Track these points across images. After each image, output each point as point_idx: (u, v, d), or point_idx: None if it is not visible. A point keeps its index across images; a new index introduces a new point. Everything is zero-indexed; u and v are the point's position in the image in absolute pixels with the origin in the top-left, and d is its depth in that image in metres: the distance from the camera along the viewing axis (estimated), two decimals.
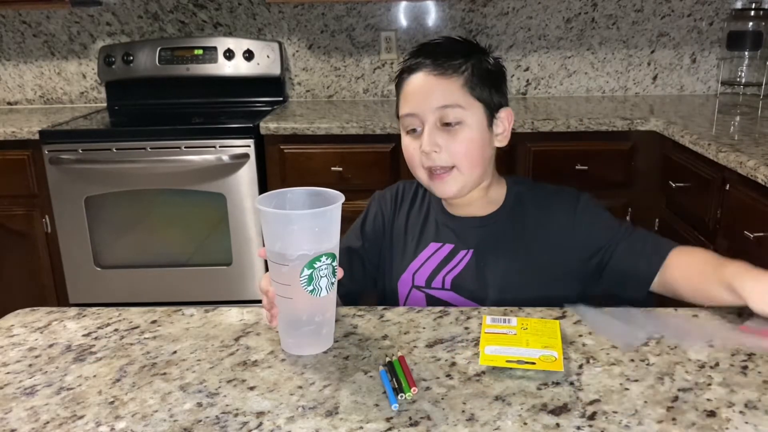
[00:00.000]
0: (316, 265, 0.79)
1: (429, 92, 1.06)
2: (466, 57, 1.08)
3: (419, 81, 1.08)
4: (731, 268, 0.91)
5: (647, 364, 0.79)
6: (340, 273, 0.85)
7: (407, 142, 1.10)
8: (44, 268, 2.49)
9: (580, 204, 1.13)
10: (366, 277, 1.18)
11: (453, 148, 1.06)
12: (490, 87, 1.09)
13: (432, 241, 1.13)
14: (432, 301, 1.10)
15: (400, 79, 1.11)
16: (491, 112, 1.09)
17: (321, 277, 0.80)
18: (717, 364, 0.79)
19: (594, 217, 1.12)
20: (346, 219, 1.24)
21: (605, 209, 1.15)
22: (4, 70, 2.95)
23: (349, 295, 1.09)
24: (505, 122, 1.12)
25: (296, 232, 0.79)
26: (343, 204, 0.82)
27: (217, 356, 0.84)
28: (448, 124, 1.06)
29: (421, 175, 1.10)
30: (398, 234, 1.18)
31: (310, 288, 0.79)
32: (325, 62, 2.90)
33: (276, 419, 0.70)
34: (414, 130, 1.08)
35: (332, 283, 0.82)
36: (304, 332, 0.83)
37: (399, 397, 0.72)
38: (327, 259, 0.80)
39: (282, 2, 2.67)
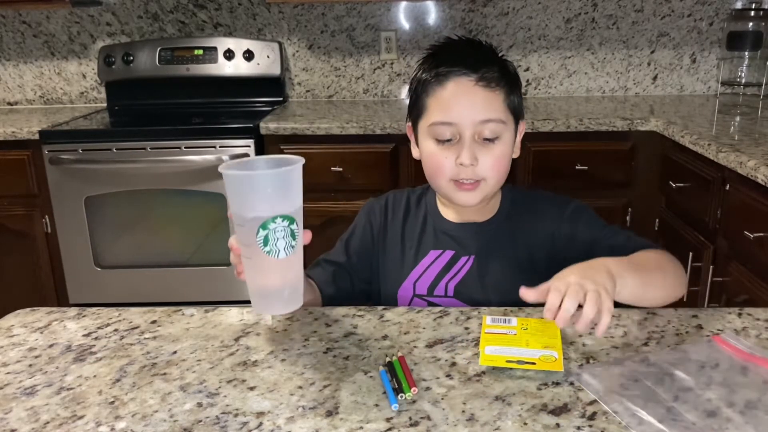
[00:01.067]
0: (270, 227, 0.80)
1: (473, 103, 1.02)
2: (502, 67, 1.05)
3: (462, 90, 1.02)
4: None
5: (647, 364, 0.79)
6: (307, 237, 0.86)
7: (434, 151, 1.05)
8: (44, 268, 2.49)
9: (568, 210, 1.11)
10: (354, 290, 1.15)
11: (487, 162, 1.03)
12: (519, 96, 1.08)
13: (432, 249, 1.12)
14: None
15: (432, 82, 1.04)
16: (517, 124, 1.08)
17: (278, 239, 0.81)
18: (717, 365, 0.79)
19: (579, 223, 1.11)
20: (347, 219, 1.25)
21: (597, 216, 1.13)
22: (4, 70, 2.95)
23: (336, 301, 1.08)
24: (521, 134, 1.10)
25: (249, 193, 0.81)
26: (303, 166, 0.84)
27: (217, 356, 0.84)
28: (487, 140, 1.03)
29: (444, 185, 1.06)
30: (393, 244, 1.16)
31: (267, 249, 0.81)
32: (325, 62, 2.90)
33: (276, 419, 0.70)
34: (448, 140, 1.03)
35: (292, 246, 0.82)
36: (267, 292, 0.85)
37: (399, 397, 0.72)
38: (283, 221, 0.81)
39: (282, 2, 2.67)
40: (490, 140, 1.03)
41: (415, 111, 1.08)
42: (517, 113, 1.07)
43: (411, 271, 1.12)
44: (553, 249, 1.09)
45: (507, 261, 1.09)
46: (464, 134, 1.02)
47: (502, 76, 1.04)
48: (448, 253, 1.11)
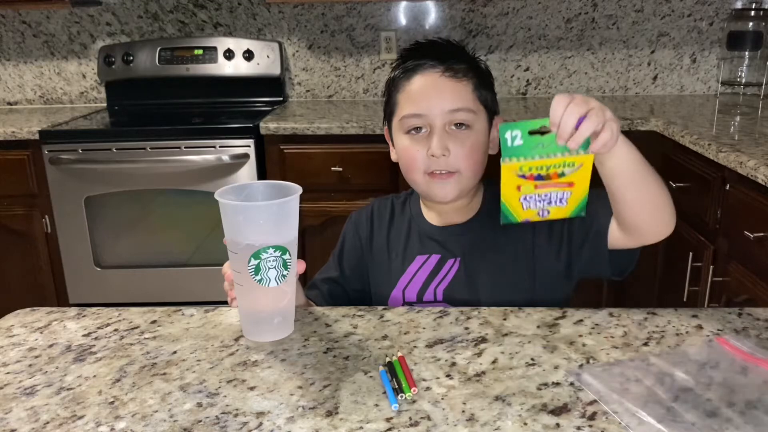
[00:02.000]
0: (262, 256, 0.81)
1: (440, 94, 1.04)
2: (471, 61, 1.07)
3: (429, 81, 1.04)
4: None
5: (647, 364, 0.79)
6: (301, 267, 0.87)
7: (407, 144, 1.06)
8: (44, 268, 2.49)
9: None
10: (351, 302, 1.15)
11: (460, 152, 1.03)
12: (491, 92, 1.09)
13: (417, 254, 1.11)
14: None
15: (401, 78, 1.07)
16: (491, 118, 1.09)
17: (269, 268, 0.82)
18: (717, 365, 0.79)
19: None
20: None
21: None
22: (4, 70, 2.95)
23: None
24: (495, 130, 1.10)
25: (243, 222, 0.82)
26: (301, 196, 0.84)
27: (217, 356, 0.84)
28: (459, 126, 1.04)
29: (419, 179, 1.07)
30: (380, 253, 1.15)
31: (258, 278, 0.82)
32: (325, 62, 2.90)
33: (276, 419, 0.70)
34: (416, 131, 1.05)
35: (283, 276, 0.84)
36: (257, 319, 0.87)
37: (399, 397, 0.72)
38: (275, 251, 0.82)
39: (282, 2, 2.67)
40: (462, 130, 1.04)
41: (388, 110, 1.11)
42: (489, 107, 1.08)
43: (399, 279, 1.11)
44: (535, 242, 1.08)
45: (493, 260, 1.08)
46: (434, 125, 1.04)
47: (470, 69, 1.06)
48: (434, 258, 1.10)
